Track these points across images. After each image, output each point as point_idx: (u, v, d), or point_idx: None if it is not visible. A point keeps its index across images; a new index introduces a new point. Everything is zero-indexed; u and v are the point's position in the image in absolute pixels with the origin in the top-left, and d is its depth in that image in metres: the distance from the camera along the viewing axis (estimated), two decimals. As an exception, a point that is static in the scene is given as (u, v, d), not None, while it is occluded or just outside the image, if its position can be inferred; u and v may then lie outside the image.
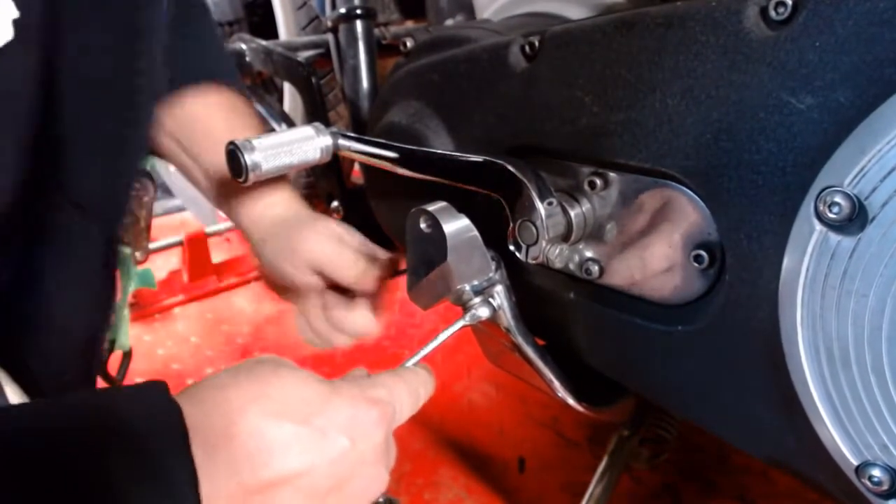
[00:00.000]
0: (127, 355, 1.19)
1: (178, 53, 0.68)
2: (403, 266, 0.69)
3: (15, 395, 0.59)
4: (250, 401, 0.38)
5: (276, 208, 0.69)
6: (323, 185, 1.10)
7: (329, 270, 0.65)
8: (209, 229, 2.05)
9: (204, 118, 0.70)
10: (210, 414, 0.37)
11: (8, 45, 0.42)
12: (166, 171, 2.23)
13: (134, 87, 0.54)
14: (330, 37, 1.09)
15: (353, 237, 0.67)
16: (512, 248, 0.56)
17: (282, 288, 0.71)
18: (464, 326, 0.53)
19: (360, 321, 0.67)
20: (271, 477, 0.37)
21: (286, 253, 0.65)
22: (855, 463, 0.40)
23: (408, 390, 0.46)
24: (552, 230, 0.54)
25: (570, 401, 0.63)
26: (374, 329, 0.68)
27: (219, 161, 0.65)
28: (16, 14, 0.42)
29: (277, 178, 0.68)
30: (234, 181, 0.60)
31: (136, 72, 0.53)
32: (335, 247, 0.65)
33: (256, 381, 0.40)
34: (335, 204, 1.09)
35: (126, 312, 1.14)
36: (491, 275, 0.52)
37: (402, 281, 0.56)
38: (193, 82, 0.70)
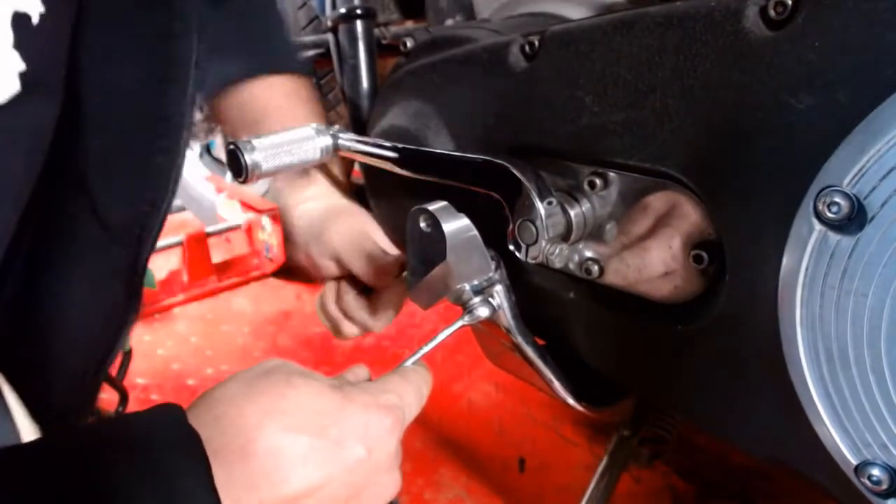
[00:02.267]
0: (127, 355, 1.19)
1: (244, 43, 0.74)
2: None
3: (14, 402, 0.59)
4: (266, 415, 0.38)
5: (319, 199, 0.76)
6: (323, 185, 1.10)
7: (343, 260, 0.70)
8: (209, 229, 2.05)
9: (265, 100, 0.75)
10: (226, 432, 0.37)
11: (15, 98, 0.42)
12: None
13: (167, 115, 0.54)
14: (330, 37, 1.09)
15: (375, 233, 0.72)
16: (512, 247, 0.56)
17: (307, 270, 0.77)
18: (463, 326, 0.53)
19: (362, 313, 0.71)
20: (291, 493, 0.37)
21: (314, 239, 0.72)
22: (854, 462, 0.40)
23: (414, 391, 0.47)
24: (552, 230, 0.54)
25: (570, 401, 0.63)
26: (371, 323, 0.72)
27: None
28: (22, 67, 0.41)
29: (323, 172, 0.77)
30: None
31: (169, 99, 0.53)
32: (351, 239, 0.70)
33: (271, 394, 0.40)
34: (335, 204, 1.08)
35: (126, 312, 1.14)
36: (490, 274, 0.52)
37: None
38: (257, 75, 0.75)
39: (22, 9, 0.40)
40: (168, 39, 0.51)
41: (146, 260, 0.61)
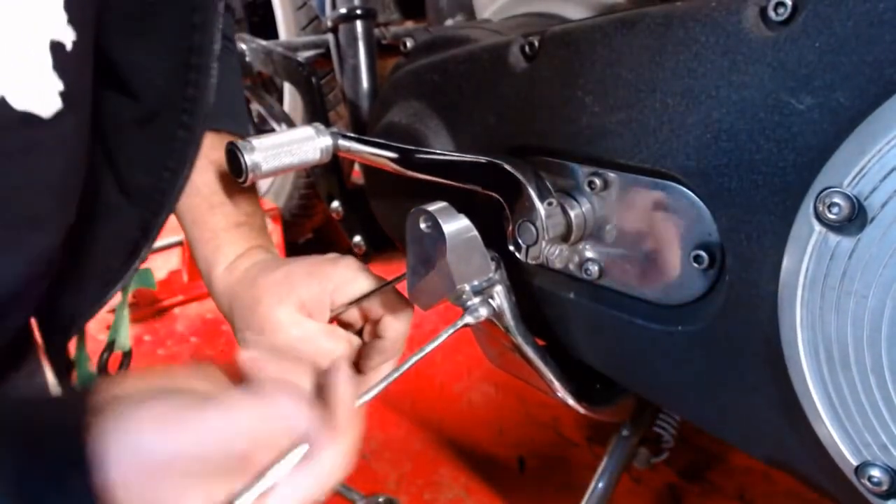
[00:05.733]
0: (127, 355, 1.19)
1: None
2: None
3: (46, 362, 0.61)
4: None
5: (255, 255, 0.63)
6: (323, 186, 1.10)
7: (367, 301, 0.57)
8: (209, 229, 2.04)
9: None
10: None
11: (58, 114, 0.46)
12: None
13: (189, 95, 0.57)
14: (330, 37, 1.09)
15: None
16: (512, 248, 0.56)
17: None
18: (463, 326, 0.53)
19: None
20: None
21: (319, 292, 0.55)
22: (854, 463, 0.40)
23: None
24: (552, 230, 0.54)
25: (570, 401, 0.63)
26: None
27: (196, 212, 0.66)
28: (61, 87, 0.46)
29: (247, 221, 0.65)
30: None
31: (191, 83, 0.57)
32: (366, 272, 0.57)
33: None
34: (335, 204, 1.09)
35: (126, 312, 1.14)
36: (491, 275, 0.52)
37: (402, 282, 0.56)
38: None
39: (57, 38, 0.45)
40: (190, 30, 0.56)
41: (160, 226, 0.61)
